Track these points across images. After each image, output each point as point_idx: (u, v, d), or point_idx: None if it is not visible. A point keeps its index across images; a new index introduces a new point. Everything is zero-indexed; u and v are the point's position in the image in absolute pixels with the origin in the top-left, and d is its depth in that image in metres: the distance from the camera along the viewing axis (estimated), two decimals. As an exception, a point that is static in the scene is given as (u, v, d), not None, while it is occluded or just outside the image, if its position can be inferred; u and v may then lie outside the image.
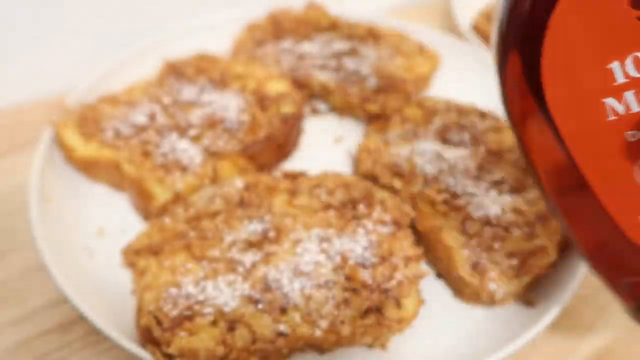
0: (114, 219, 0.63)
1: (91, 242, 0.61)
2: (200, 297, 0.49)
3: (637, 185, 0.33)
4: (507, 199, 0.60)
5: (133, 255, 0.53)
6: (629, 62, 0.30)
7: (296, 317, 0.48)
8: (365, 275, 0.51)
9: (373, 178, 0.64)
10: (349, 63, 0.83)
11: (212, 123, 0.68)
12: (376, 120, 0.74)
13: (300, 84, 0.80)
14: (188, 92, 0.73)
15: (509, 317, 0.56)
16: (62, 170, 0.67)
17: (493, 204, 0.60)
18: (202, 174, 0.62)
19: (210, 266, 0.52)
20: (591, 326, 0.60)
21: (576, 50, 0.31)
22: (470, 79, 0.88)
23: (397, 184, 0.61)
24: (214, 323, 0.47)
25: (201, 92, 0.74)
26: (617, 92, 0.31)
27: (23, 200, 0.69)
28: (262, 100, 0.72)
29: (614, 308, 0.61)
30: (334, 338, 0.48)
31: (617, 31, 0.30)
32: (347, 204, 0.59)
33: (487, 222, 0.58)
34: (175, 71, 0.77)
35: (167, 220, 0.56)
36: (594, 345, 0.58)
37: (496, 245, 0.55)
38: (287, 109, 0.71)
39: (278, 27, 0.92)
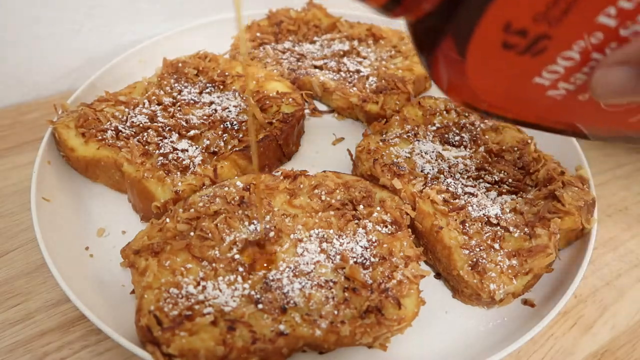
0: (114, 219, 0.64)
1: (91, 242, 0.61)
2: (200, 297, 0.49)
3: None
4: (507, 199, 0.60)
5: (133, 255, 0.53)
6: None
7: (296, 317, 0.48)
8: (365, 275, 0.51)
9: (373, 178, 0.64)
10: (349, 63, 0.83)
11: (212, 123, 0.68)
12: (376, 120, 0.74)
13: (300, 84, 0.80)
14: (188, 92, 0.73)
15: (508, 317, 0.56)
16: (62, 170, 0.67)
17: (493, 204, 0.60)
18: (202, 174, 0.62)
19: (210, 266, 0.52)
20: (591, 326, 0.60)
21: None
22: (470, 79, 0.88)
23: (397, 184, 0.61)
24: (214, 323, 0.47)
25: (201, 92, 0.74)
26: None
27: (23, 200, 0.69)
28: (262, 100, 0.72)
29: (614, 308, 0.62)
30: (334, 338, 0.48)
31: None
32: (347, 204, 0.59)
33: (487, 222, 0.58)
34: (175, 71, 0.77)
35: (167, 220, 0.56)
36: (594, 345, 0.58)
37: (496, 245, 0.55)
38: (287, 109, 0.71)
39: (278, 27, 0.92)
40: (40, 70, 0.89)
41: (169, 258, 0.52)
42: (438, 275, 0.60)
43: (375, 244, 0.55)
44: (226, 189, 0.59)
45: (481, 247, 0.55)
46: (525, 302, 0.57)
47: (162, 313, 0.47)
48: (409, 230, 0.57)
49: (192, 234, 0.54)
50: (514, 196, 0.61)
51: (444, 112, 0.73)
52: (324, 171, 0.64)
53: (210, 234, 0.54)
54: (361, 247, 0.54)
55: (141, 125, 0.67)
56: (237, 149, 0.64)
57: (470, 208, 0.59)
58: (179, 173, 0.61)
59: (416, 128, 0.71)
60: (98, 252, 0.59)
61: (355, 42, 0.88)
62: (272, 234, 0.55)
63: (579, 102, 0.39)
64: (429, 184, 0.62)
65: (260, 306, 0.49)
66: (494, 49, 0.35)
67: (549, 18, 0.33)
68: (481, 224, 0.57)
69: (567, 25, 0.33)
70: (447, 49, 0.37)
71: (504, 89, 0.40)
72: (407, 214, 0.58)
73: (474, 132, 0.70)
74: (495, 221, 0.57)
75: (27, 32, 0.84)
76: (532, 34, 0.34)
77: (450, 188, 0.61)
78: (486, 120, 0.72)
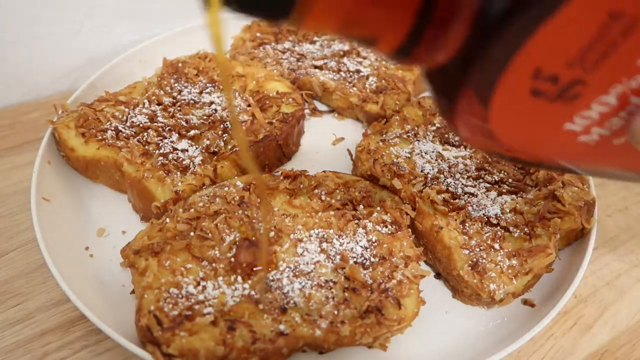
0: (114, 219, 0.64)
1: (91, 242, 0.61)
2: (200, 297, 0.49)
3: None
4: (507, 199, 0.60)
5: (133, 255, 0.53)
6: None
7: (296, 317, 0.48)
8: (365, 275, 0.51)
9: (373, 178, 0.64)
10: (349, 63, 0.83)
11: (212, 123, 0.68)
12: (376, 120, 0.74)
13: (300, 84, 0.80)
14: (188, 92, 0.73)
15: (508, 317, 0.56)
16: (62, 170, 0.67)
17: (493, 204, 0.60)
18: (202, 174, 0.62)
19: (210, 266, 0.52)
20: (591, 326, 0.60)
21: None
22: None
23: (397, 184, 0.61)
24: (214, 323, 0.47)
25: (201, 92, 0.74)
26: None
27: (23, 200, 0.69)
28: (262, 100, 0.72)
29: (614, 308, 0.62)
30: (334, 338, 0.48)
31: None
32: (347, 204, 0.59)
33: (487, 222, 0.58)
34: (175, 71, 0.77)
35: (167, 220, 0.56)
36: (594, 345, 0.58)
37: (496, 245, 0.55)
38: (287, 109, 0.71)
39: (278, 27, 0.92)
40: (40, 70, 0.89)
41: (169, 258, 0.52)
42: (438, 275, 0.60)
43: (375, 244, 0.55)
44: (226, 189, 0.59)
45: (481, 247, 0.55)
46: (525, 302, 0.57)
47: (162, 313, 0.47)
48: (409, 230, 0.57)
49: (192, 234, 0.54)
50: (514, 196, 0.61)
51: (444, 112, 0.73)
52: (324, 171, 0.64)
53: (210, 234, 0.54)
54: (361, 247, 0.54)
55: (141, 125, 0.67)
56: (237, 149, 0.64)
57: (470, 208, 0.59)
58: (179, 173, 0.61)
59: (416, 128, 0.71)
60: (98, 252, 0.59)
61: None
62: (272, 234, 0.55)
63: (613, 147, 0.37)
64: (429, 184, 0.62)
65: (260, 306, 0.49)
66: (521, 97, 0.33)
67: (584, 63, 0.30)
68: (481, 224, 0.57)
69: (604, 70, 0.31)
70: (468, 100, 0.34)
71: (532, 136, 0.37)
72: (407, 214, 0.58)
73: (474, 132, 0.70)
74: (495, 221, 0.57)
75: (27, 32, 0.84)
76: (565, 80, 0.31)
77: (450, 188, 0.61)
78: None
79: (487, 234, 0.56)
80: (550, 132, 0.36)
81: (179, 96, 0.72)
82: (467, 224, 0.57)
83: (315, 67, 0.83)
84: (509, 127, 0.36)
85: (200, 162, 0.63)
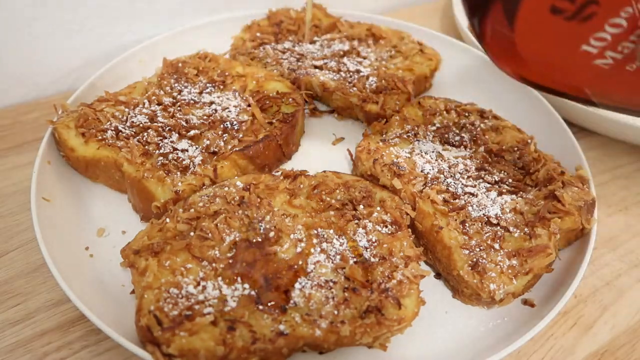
0: (114, 219, 0.64)
1: (91, 242, 0.61)
2: (200, 297, 0.49)
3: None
4: (507, 199, 0.60)
5: (133, 255, 0.53)
6: None
7: (296, 317, 0.48)
8: (365, 276, 0.51)
9: (373, 178, 0.64)
10: (349, 63, 0.83)
11: (212, 123, 0.68)
12: (376, 120, 0.74)
13: (300, 84, 0.80)
14: (188, 92, 0.73)
15: (508, 317, 0.56)
16: (62, 170, 0.67)
17: (493, 204, 0.60)
18: (202, 174, 0.62)
19: (210, 266, 0.52)
20: (591, 326, 0.60)
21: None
22: (470, 79, 0.88)
23: (397, 184, 0.61)
24: (214, 323, 0.47)
25: (201, 92, 0.74)
26: None
27: (23, 200, 0.69)
28: (262, 100, 0.72)
29: (614, 308, 0.62)
30: (334, 338, 0.48)
31: None
32: (347, 204, 0.59)
33: (487, 222, 0.58)
34: (175, 71, 0.77)
35: (167, 220, 0.56)
36: (594, 345, 0.58)
37: (496, 245, 0.55)
38: (287, 109, 0.72)
39: (278, 27, 0.92)
40: (40, 70, 0.89)
41: (169, 258, 0.52)
42: (438, 275, 0.60)
43: (375, 244, 0.55)
44: (226, 189, 0.59)
45: (481, 247, 0.55)
46: (525, 302, 0.57)
47: (162, 313, 0.47)
48: (409, 230, 0.57)
49: (192, 234, 0.54)
50: (514, 196, 0.61)
51: (444, 112, 0.73)
52: (324, 171, 0.64)
53: (210, 234, 0.54)
54: (361, 247, 0.54)
55: (141, 125, 0.67)
56: (237, 149, 0.64)
57: (470, 208, 0.59)
58: (179, 173, 0.61)
59: (416, 128, 0.71)
60: (98, 252, 0.59)
61: (355, 42, 0.88)
62: (272, 234, 0.55)
63: (626, 72, 0.39)
64: (429, 184, 0.62)
65: (260, 306, 0.49)
66: (542, 14, 0.36)
67: None
68: (481, 224, 0.57)
69: None
70: (497, 13, 0.38)
71: (552, 57, 0.40)
72: (407, 214, 0.58)
73: (474, 132, 0.70)
74: (495, 221, 0.57)
75: (27, 32, 0.84)
76: None
77: (450, 188, 0.61)
78: (486, 120, 0.72)
79: (487, 234, 0.56)
80: (568, 52, 0.39)
81: (179, 96, 0.72)
82: (467, 224, 0.57)
83: (315, 67, 0.83)
84: (532, 45, 0.39)
85: (200, 162, 0.63)
